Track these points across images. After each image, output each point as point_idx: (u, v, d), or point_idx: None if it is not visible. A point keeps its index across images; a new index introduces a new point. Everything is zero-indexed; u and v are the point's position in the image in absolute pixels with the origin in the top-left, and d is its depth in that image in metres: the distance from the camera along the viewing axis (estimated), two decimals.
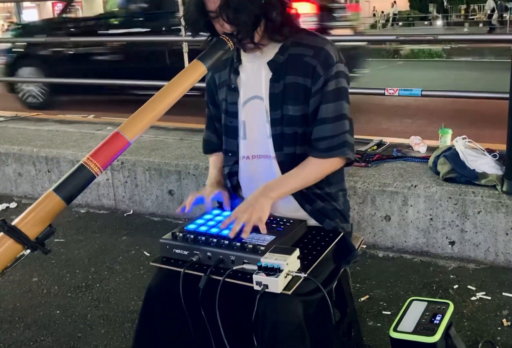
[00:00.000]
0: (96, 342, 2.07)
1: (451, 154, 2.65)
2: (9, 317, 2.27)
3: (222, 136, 1.67)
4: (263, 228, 1.43)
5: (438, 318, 1.50)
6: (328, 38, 1.56)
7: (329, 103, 1.49)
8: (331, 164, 1.54)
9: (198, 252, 1.40)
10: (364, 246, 2.73)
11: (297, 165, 1.53)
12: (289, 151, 1.54)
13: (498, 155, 2.63)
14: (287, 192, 1.52)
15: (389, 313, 2.16)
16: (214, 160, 1.76)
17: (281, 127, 1.53)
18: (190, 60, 3.17)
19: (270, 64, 1.52)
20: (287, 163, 1.55)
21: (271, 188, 1.49)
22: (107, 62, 6.48)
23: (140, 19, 6.38)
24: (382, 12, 30.97)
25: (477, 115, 5.90)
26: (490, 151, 2.70)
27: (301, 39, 1.51)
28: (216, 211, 1.60)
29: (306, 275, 1.29)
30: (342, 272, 1.60)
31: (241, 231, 1.40)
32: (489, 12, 23.95)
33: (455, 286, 2.34)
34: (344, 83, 1.51)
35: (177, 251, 1.43)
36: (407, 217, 2.64)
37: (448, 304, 1.56)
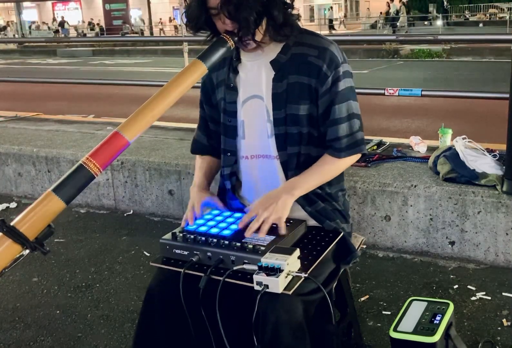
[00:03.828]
0: (96, 342, 2.07)
1: (451, 154, 2.65)
2: (9, 317, 2.27)
3: (221, 135, 1.67)
4: (282, 228, 1.44)
5: (438, 318, 1.50)
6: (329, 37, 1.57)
7: (340, 104, 1.51)
8: (348, 162, 1.58)
9: (198, 252, 1.40)
10: (364, 246, 2.73)
11: (314, 163, 1.55)
12: (293, 151, 1.55)
13: (498, 155, 2.63)
14: (308, 189, 1.53)
15: (389, 313, 2.16)
16: (201, 163, 1.75)
17: (284, 126, 1.53)
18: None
19: (273, 63, 1.52)
20: (290, 163, 1.55)
21: (294, 185, 1.50)
22: None
23: None
24: (381, 13, 31.09)
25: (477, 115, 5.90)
26: (490, 151, 2.70)
27: (303, 39, 1.51)
28: (216, 211, 1.60)
29: (306, 275, 1.30)
30: (342, 272, 1.60)
31: (258, 229, 1.42)
32: (393, 14, 24.71)
33: (455, 286, 2.34)
34: (351, 82, 1.54)
35: (177, 251, 1.43)
36: (407, 217, 2.64)
37: (448, 304, 1.56)
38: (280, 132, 1.54)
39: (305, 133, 1.54)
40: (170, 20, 34.18)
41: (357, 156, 1.59)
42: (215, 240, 1.39)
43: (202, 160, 1.75)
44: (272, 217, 1.43)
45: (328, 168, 1.55)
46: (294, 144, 1.54)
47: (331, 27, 30.89)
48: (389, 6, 25.01)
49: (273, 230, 1.45)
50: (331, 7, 34.71)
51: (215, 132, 1.70)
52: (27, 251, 1.04)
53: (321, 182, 1.55)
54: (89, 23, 32.41)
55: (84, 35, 31.96)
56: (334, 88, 1.49)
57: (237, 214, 1.56)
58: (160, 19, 34.70)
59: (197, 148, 1.77)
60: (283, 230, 1.44)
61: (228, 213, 1.57)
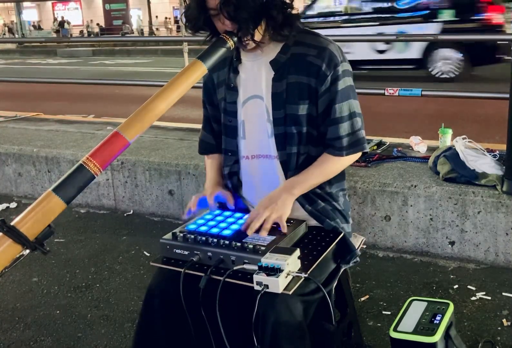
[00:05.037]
0: (96, 342, 2.07)
1: (451, 154, 2.65)
2: (9, 317, 2.27)
3: (222, 135, 1.67)
4: (283, 226, 1.45)
5: (438, 318, 1.50)
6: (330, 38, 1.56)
7: (341, 103, 1.51)
8: (349, 160, 1.58)
9: (198, 252, 1.39)
10: (364, 246, 2.73)
11: (314, 162, 1.55)
12: (293, 151, 1.55)
13: (498, 155, 2.64)
14: (308, 188, 1.54)
15: (389, 313, 2.16)
16: (211, 162, 1.75)
17: (284, 126, 1.53)
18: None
19: (273, 63, 1.52)
20: (289, 163, 1.55)
21: (294, 184, 1.51)
22: None
23: None
24: None
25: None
26: (490, 151, 2.70)
27: (303, 38, 1.51)
28: (217, 211, 1.60)
29: (306, 275, 1.30)
30: (342, 272, 1.60)
31: (259, 228, 1.42)
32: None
33: (455, 286, 2.34)
34: (350, 81, 1.54)
35: (178, 251, 1.43)
36: (407, 217, 2.64)
37: (448, 304, 1.56)
38: (280, 132, 1.54)
39: (304, 132, 1.54)
40: (176, 20, 34.19)
41: (358, 155, 1.59)
42: (215, 240, 1.39)
43: (212, 160, 1.76)
44: (273, 216, 1.44)
45: (328, 167, 1.55)
46: (293, 143, 1.54)
47: None
48: None
49: (273, 230, 1.45)
50: None
51: (219, 131, 1.70)
52: (27, 251, 1.04)
53: (321, 181, 1.56)
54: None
55: (96, 34, 32.19)
56: (333, 87, 1.49)
57: (238, 214, 1.56)
58: (169, 18, 34.73)
59: (205, 148, 1.78)
60: (284, 229, 1.45)
61: (228, 213, 1.57)
